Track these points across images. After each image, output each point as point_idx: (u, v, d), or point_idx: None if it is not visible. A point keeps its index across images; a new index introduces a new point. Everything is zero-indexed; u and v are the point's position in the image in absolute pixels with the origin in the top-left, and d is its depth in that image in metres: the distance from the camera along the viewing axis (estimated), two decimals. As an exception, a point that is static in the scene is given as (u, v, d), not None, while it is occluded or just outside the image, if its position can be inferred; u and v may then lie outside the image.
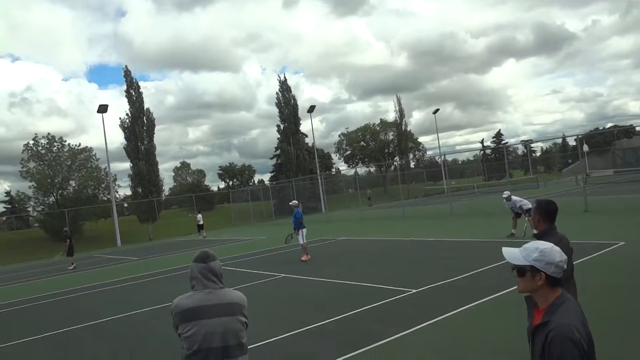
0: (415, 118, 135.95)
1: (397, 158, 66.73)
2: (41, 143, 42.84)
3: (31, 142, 42.65)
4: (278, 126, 52.16)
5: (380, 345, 5.82)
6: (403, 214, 26.93)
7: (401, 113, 65.52)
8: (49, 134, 43.66)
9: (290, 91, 52.19)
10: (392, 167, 63.86)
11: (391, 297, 8.22)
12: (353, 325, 6.91)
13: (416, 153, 72.75)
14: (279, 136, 52.74)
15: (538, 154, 78.54)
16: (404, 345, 5.80)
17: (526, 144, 54.96)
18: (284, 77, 52.84)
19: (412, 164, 72.25)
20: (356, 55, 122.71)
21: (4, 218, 58.13)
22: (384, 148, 69.60)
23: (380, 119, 71.88)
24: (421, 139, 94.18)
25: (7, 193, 60.92)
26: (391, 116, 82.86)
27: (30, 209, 49.36)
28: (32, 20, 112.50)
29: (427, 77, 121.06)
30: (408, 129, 67.95)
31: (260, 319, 7.37)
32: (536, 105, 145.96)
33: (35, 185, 42.26)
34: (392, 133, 68.76)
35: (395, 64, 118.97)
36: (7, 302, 13.52)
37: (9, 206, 60.17)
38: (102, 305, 11.22)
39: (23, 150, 42.60)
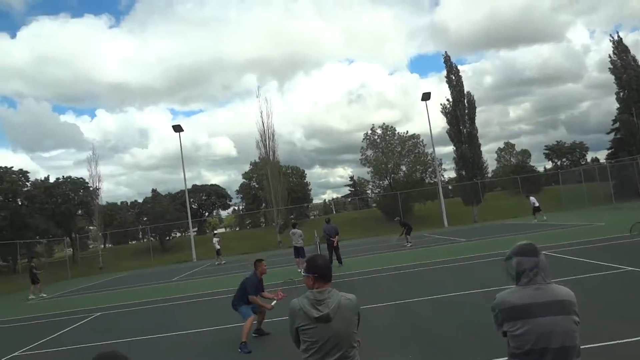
0: None
1: None
2: (377, 133, 48.22)
3: (369, 132, 48.45)
4: (617, 94, 45.44)
5: None
6: None
7: None
8: (383, 123, 48.82)
9: (629, 52, 44.72)
10: None
11: None
12: None
13: None
14: (617, 106, 46.00)
15: None
16: None
17: None
18: (618, 37, 45.45)
19: None
20: None
21: (349, 199, 67.90)
22: None
23: None
24: None
25: (351, 178, 70.98)
26: None
27: (369, 191, 56.19)
28: (362, 26, 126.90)
29: None
30: None
31: (598, 317, 6.67)
32: None
33: (372, 170, 47.86)
34: None
35: None
36: (355, 272, 15.81)
37: (353, 189, 69.97)
38: (434, 281, 11.99)
39: (363, 140, 48.74)
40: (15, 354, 10.03)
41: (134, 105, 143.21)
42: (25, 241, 40.87)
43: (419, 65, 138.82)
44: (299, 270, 17.84)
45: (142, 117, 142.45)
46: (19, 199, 45.27)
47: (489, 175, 54.78)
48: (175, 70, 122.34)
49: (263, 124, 42.76)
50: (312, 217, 60.78)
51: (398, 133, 48.62)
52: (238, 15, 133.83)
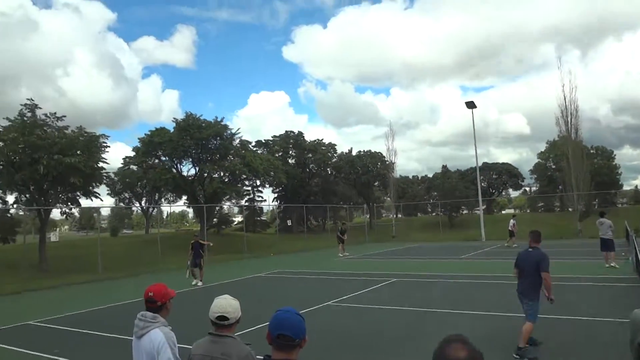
0: None
1: None
2: None
3: None
4: None
5: None
6: None
7: None
8: None
9: None
10: None
11: None
12: None
13: None
14: None
15: None
16: None
17: None
18: None
19: None
20: None
21: (673, 188, 56.64)
22: None
23: None
24: None
25: (676, 163, 58.74)
26: None
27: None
28: None
29: None
30: None
31: None
32: None
33: None
34: None
35: None
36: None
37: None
38: None
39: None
40: (328, 302, 11.58)
41: (425, 83, 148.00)
42: (332, 205, 46.85)
43: None
44: (607, 265, 15.77)
45: (433, 94, 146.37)
46: (328, 169, 52.05)
47: None
48: (466, 46, 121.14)
49: (564, 99, 38.70)
50: (621, 205, 52.89)
51: None
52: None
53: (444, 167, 63.27)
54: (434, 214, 57.55)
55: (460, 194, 48.06)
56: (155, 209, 52.97)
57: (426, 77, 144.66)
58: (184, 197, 40.68)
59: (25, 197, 24.56)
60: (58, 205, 25.98)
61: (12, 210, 33.04)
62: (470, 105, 39.12)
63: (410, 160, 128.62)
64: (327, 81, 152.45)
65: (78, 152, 23.55)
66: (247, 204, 46.87)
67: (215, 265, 23.10)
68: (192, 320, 7.25)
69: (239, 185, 38.47)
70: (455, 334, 1.83)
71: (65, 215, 29.55)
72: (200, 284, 16.35)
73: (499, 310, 9.92)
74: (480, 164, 45.92)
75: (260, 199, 51.36)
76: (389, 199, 55.24)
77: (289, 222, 43.00)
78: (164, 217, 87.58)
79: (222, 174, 35.13)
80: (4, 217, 38.99)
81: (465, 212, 54.47)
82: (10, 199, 26.26)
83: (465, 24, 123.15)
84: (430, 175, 67.39)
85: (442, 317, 9.68)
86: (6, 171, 23.15)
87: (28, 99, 23.94)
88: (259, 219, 52.61)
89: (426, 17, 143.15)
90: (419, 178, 72.91)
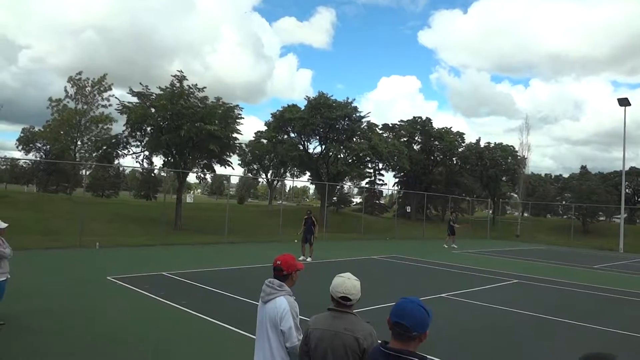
0: None
1: None
2: None
3: None
4: None
5: None
6: None
7: None
8: None
9: None
10: None
11: None
12: None
13: None
14: None
15: None
16: None
17: None
18: None
19: None
20: None
21: None
22: None
23: None
24: None
25: None
26: None
27: None
28: None
29: None
30: None
31: None
32: None
33: None
34: None
35: None
36: None
37: None
38: None
39: None
40: (442, 295, 11.27)
41: (571, 76, 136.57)
42: (454, 196, 45.39)
43: None
44: None
45: (579, 88, 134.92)
46: (454, 158, 50.29)
47: None
48: (625, 37, 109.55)
49: None
50: None
51: None
52: None
53: (583, 167, 58.46)
54: (565, 216, 53.44)
55: (598, 198, 43.97)
56: (280, 182, 55.31)
57: (573, 69, 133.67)
58: (308, 174, 41.90)
59: (169, 160, 26.91)
60: (195, 169, 28.14)
61: (156, 171, 36.48)
62: (624, 102, 35.39)
63: (544, 157, 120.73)
64: (462, 68, 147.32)
65: (216, 121, 25.21)
66: (367, 186, 47.08)
67: (331, 243, 23.59)
68: (300, 294, 7.46)
69: (362, 167, 38.65)
70: (600, 353, 1.63)
71: (200, 180, 31.89)
72: (309, 259, 16.33)
73: (637, 331, 8.94)
74: (627, 167, 41.50)
75: (380, 182, 51.27)
76: (516, 195, 52.19)
77: (408, 209, 42.45)
78: (287, 190, 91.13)
79: (347, 154, 35.53)
80: (149, 177, 43.23)
81: (602, 218, 49.80)
82: (156, 161, 28.99)
83: (627, 13, 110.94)
84: (566, 175, 62.67)
85: (566, 328, 8.97)
86: (155, 135, 25.56)
87: (178, 71, 26.06)
88: (377, 202, 52.60)
89: (580, 4, 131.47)
90: (552, 177, 67.98)
